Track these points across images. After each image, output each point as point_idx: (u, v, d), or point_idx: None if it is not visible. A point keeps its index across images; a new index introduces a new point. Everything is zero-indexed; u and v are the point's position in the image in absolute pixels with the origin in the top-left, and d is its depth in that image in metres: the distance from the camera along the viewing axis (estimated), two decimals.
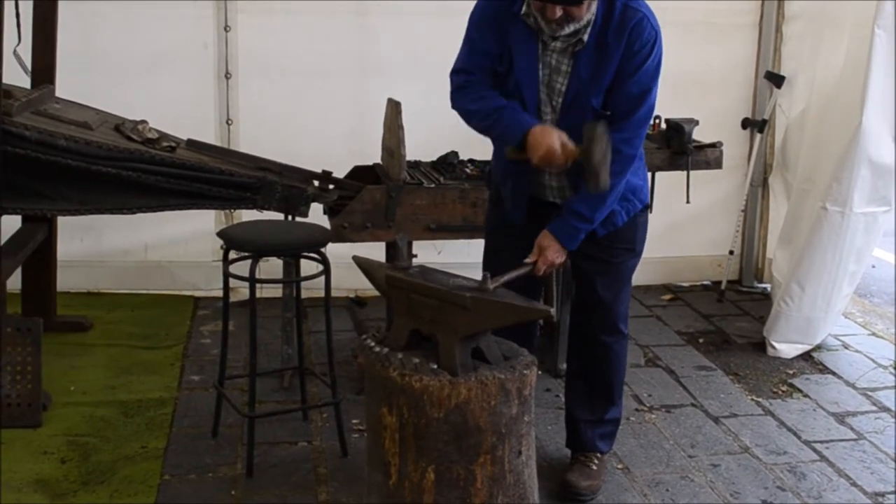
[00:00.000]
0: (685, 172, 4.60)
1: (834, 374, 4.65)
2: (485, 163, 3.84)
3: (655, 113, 4.52)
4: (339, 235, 4.00)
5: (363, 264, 3.01)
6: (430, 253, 4.70)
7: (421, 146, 4.27)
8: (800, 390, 4.45)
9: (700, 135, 4.65)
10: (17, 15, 4.10)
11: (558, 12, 2.90)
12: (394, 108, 3.98)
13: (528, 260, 3.10)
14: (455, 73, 3.19)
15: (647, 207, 3.38)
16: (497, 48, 3.11)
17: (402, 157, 3.97)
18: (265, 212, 4.07)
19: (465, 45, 3.19)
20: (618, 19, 2.99)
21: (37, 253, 4.41)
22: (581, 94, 3.05)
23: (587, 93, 3.05)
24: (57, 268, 4.68)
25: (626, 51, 2.99)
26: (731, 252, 5.73)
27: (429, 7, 4.88)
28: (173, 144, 4.00)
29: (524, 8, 3.03)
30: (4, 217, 3.90)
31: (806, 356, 4.82)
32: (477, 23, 3.15)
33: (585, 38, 3.00)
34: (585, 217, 3.10)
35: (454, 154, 4.40)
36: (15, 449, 3.58)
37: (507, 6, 3.08)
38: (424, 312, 2.77)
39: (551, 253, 3.09)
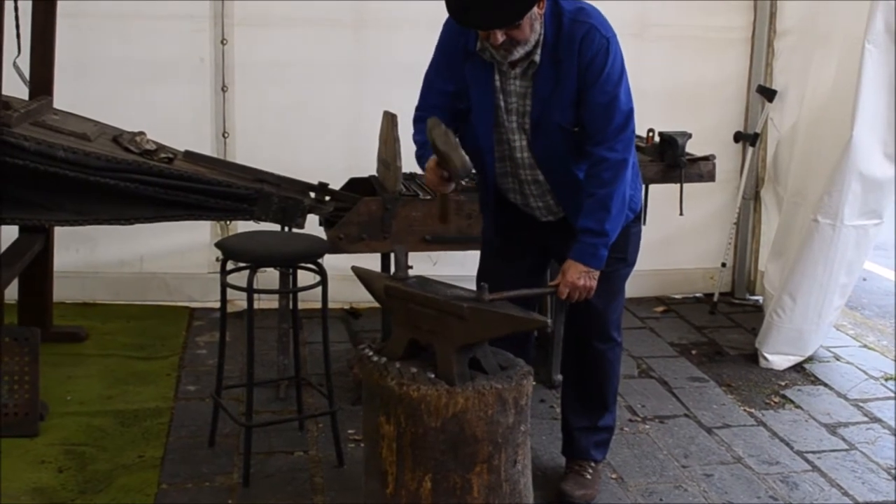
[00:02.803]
0: (678, 185, 4.63)
1: (826, 385, 4.68)
2: (473, 174, 3.88)
3: (649, 126, 4.63)
4: (335, 247, 4.02)
5: (362, 275, 3.04)
6: (425, 264, 4.73)
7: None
8: (792, 401, 4.48)
9: (693, 148, 4.68)
10: (17, 27, 4.13)
11: (500, 37, 2.90)
12: (390, 120, 4.00)
13: (552, 283, 3.14)
14: (415, 110, 3.29)
15: (640, 217, 3.41)
16: (454, 87, 3.18)
17: (398, 169, 3.99)
18: (261, 223, 4.09)
19: (423, 82, 3.27)
20: (567, 35, 3.00)
21: (34, 263, 4.42)
22: (544, 113, 3.08)
23: (550, 111, 3.07)
24: (53, 278, 4.70)
25: (580, 64, 3.00)
26: (724, 264, 5.77)
27: (425, 20, 4.88)
28: (171, 156, 4.02)
29: (479, 44, 3.04)
30: (2, 227, 3.92)
31: (798, 368, 4.86)
32: (434, 62, 3.24)
33: (537, 58, 3.02)
34: (595, 231, 3.09)
35: None
36: (12, 458, 3.58)
37: (462, 45, 3.11)
38: (422, 322, 2.80)
39: (571, 274, 3.09)
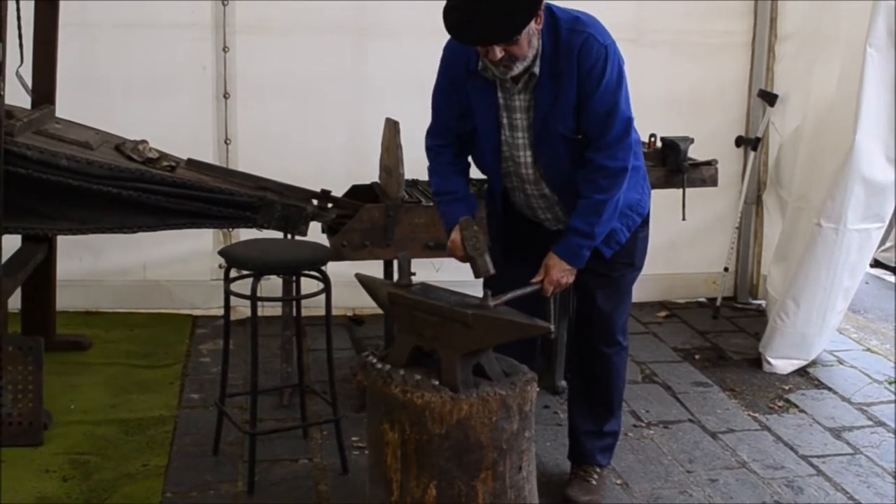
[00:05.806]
0: (681, 190, 4.63)
1: (829, 389, 4.68)
2: (482, 181, 3.89)
3: (651, 131, 4.63)
4: (338, 254, 4.02)
5: (366, 282, 3.04)
6: (428, 271, 4.72)
7: (419, 165, 4.25)
8: (796, 405, 4.47)
9: (695, 153, 4.68)
10: (20, 36, 4.14)
11: (499, 53, 2.89)
12: (392, 127, 4.01)
13: (534, 280, 3.13)
14: (427, 134, 3.32)
15: (647, 221, 3.41)
16: (457, 111, 3.20)
17: (401, 176, 4.00)
18: (264, 231, 4.10)
19: (432, 108, 3.28)
20: (564, 45, 2.99)
21: (36, 272, 4.42)
22: (547, 123, 3.08)
23: (552, 122, 3.07)
24: (56, 287, 4.70)
25: (580, 73, 2.99)
26: (726, 269, 5.76)
27: (425, 27, 4.88)
28: (173, 164, 4.03)
29: (480, 63, 3.04)
30: (4, 236, 3.92)
31: (801, 372, 4.85)
32: (437, 88, 3.25)
33: (536, 70, 3.02)
34: (584, 233, 3.12)
35: None
36: (17, 467, 3.59)
37: (464, 66, 3.11)
38: (426, 329, 2.80)
39: (556, 272, 3.12)
